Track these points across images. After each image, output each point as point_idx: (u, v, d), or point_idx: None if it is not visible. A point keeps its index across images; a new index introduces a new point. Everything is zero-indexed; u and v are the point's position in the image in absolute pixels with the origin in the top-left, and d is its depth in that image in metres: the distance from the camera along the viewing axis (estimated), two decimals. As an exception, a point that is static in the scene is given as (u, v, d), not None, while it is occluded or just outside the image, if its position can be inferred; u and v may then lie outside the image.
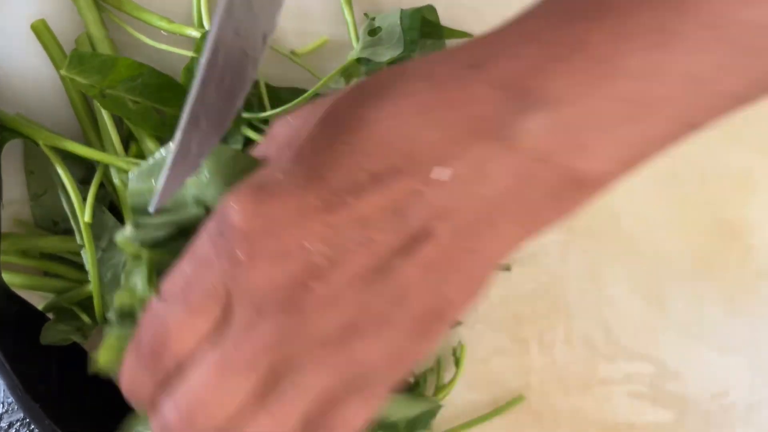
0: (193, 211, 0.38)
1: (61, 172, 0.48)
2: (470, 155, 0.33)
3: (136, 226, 0.37)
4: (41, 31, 0.49)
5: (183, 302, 0.35)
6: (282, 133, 0.38)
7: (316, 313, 0.34)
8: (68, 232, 0.52)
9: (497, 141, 0.33)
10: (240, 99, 0.36)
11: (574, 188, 0.34)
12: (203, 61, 0.34)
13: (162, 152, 0.39)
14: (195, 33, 0.51)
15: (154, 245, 0.37)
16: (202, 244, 0.35)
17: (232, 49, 0.35)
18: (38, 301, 0.52)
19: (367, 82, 0.36)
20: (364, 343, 0.34)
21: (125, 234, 0.37)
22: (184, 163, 0.34)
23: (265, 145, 0.38)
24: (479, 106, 0.33)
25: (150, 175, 0.38)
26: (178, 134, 0.34)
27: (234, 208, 0.34)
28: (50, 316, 0.51)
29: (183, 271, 0.35)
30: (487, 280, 0.35)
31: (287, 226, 0.33)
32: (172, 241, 0.37)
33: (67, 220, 0.52)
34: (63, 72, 0.44)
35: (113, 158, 0.49)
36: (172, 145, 0.34)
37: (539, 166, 0.33)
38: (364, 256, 0.34)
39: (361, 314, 0.34)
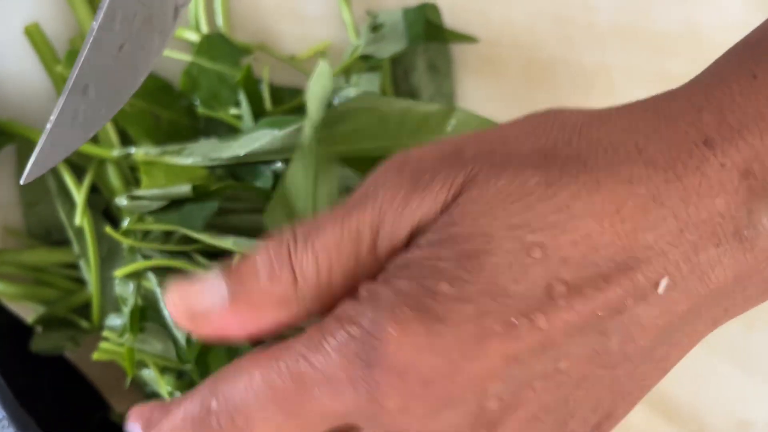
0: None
1: (65, 174, 0.46)
2: (699, 261, 0.27)
3: (131, 198, 0.35)
4: (34, 35, 0.48)
5: (298, 423, 0.28)
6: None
7: None
8: (62, 243, 0.51)
9: (734, 242, 0.27)
10: (143, 72, 0.33)
11: None
12: (95, 24, 0.30)
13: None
14: (193, 36, 0.50)
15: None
16: (332, 362, 0.27)
17: (134, 16, 0.31)
18: (27, 314, 0.49)
19: (550, 140, 0.29)
20: None
21: (122, 204, 0.35)
22: (65, 133, 0.31)
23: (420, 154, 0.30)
24: (719, 199, 0.27)
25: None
26: (61, 99, 0.30)
27: (393, 338, 0.26)
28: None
29: (307, 388, 0.28)
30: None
31: (459, 371, 0.27)
32: (165, 212, 0.36)
33: (62, 230, 0.50)
34: (60, 69, 0.43)
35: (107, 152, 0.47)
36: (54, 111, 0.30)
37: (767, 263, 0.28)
38: (546, 393, 0.28)
39: None
